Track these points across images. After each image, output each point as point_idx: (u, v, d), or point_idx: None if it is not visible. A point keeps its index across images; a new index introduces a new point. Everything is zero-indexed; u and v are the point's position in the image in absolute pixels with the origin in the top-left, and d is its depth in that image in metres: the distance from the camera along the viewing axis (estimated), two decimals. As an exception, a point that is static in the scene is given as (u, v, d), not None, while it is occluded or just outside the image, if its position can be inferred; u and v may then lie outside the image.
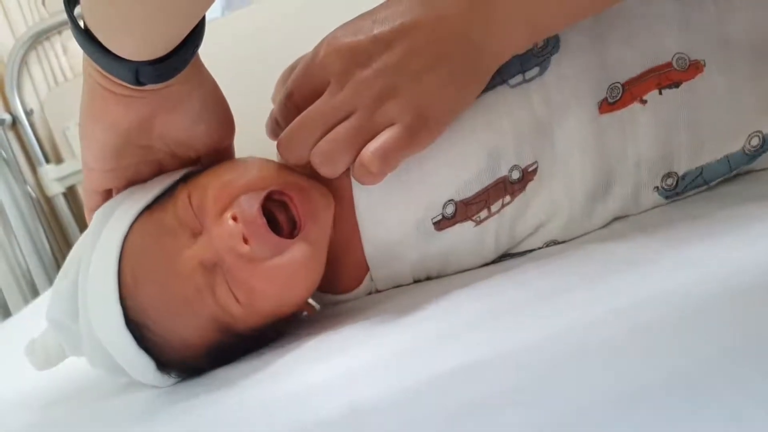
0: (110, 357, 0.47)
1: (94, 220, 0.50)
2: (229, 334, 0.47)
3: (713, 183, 0.48)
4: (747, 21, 0.47)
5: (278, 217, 0.47)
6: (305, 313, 0.54)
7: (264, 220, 0.45)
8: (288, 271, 0.46)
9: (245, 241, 0.44)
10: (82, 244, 0.50)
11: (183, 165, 0.53)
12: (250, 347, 0.50)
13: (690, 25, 0.47)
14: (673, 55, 0.47)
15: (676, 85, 0.47)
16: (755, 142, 0.47)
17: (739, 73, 0.47)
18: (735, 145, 0.47)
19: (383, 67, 0.44)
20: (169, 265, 0.45)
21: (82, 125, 0.49)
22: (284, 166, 0.50)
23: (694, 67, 0.47)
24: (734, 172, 0.48)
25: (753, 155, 0.47)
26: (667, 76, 0.47)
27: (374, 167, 0.44)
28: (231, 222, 0.44)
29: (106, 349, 0.47)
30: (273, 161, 0.51)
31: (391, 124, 0.44)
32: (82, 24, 0.44)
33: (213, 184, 0.47)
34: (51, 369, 0.54)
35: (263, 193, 0.46)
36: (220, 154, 0.54)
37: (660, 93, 0.47)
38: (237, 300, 0.45)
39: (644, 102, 0.47)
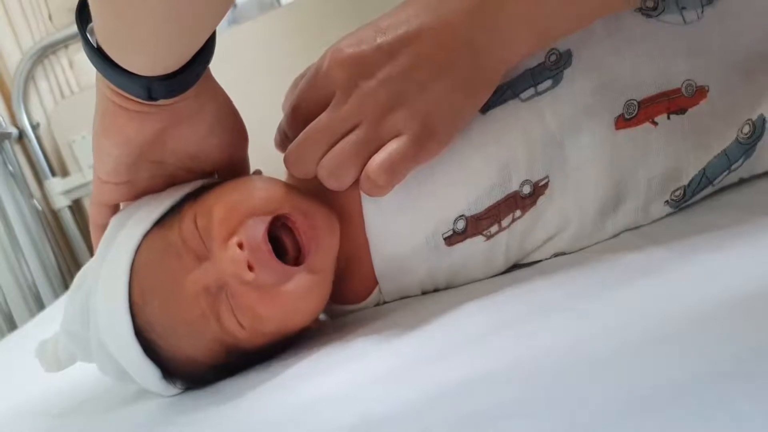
0: (118, 364, 0.48)
1: (108, 229, 0.50)
2: (235, 353, 0.47)
3: (717, 181, 0.48)
4: (748, 45, 0.48)
5: (284, 240, 0.47)
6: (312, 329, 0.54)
7: (269, 247, 0.45)
8: (292, 298, 0.46)
9: (250, 268, 0.44)
10: (96, 253, 0.51)
11: (196, 178, 0.53)
12: (256, 361, 0.50)
13: (698, 50, 0.48)
14: (683, 81, 0.47)
15: (682, 111, 0.47)
16: (746, 130, 0.47)
17: (737, 92, 0.48)
18: (729, 137, 0.48)
19: (388, 77, 0.44)
20: (174, 288, 0.45)
21: (95, 140, 0.50)
22: (290, 187, 0.50)
23: (700, 94, 0.47)
24: (735, 169, 0.48)
25: (748, 143, 0.48)
26: (676, 102, 0.47)
27: (381, 180, 0.44)
28: (236, 249, 0.44)
29: (114, 356, 0.47)
30: (279, 181, 0.51)
31: (398, 135, 0.44)
32: (94, 42, 0.44)
33: (219, 206, 0.47)
34: (58, 376, 0.55)
35: (268, 219, 0.46)
36: (234, 166, 0.54)
37: (668, 118, 0.47)
38: (241, 325, 0.45)
39: (655, 124, 0.47)
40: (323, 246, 0.47)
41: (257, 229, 0.45)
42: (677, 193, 0.48)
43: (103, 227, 0.51)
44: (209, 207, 0.47)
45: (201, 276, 0.45)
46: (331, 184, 0.46)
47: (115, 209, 0.53)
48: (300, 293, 0.46)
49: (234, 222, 0.45)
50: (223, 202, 0.47)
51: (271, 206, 0.46)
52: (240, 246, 0.44)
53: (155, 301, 0.46)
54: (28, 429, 0.55)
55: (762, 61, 0.49)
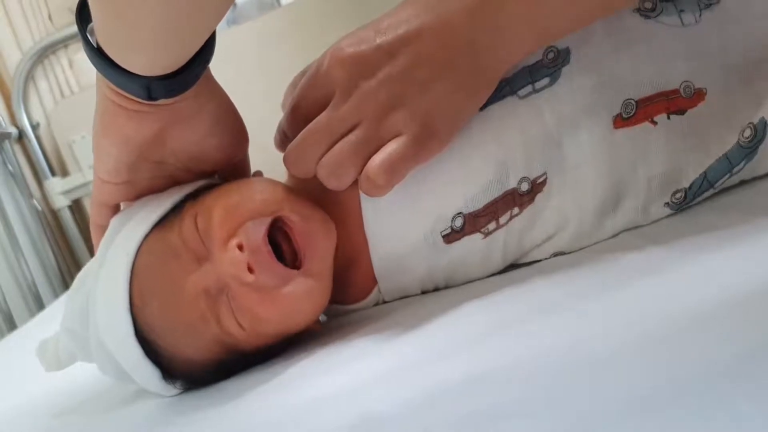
0: (118, 364, 0.48)
1: (109, 229, 0.50)
2: (234, 354, 0.47)
3: (718, 184, 0.48)
4: (746, 50, 0.48)
5: (281, 244, 0.47)
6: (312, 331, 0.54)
7: (269, 248, 0.45)
8: (292, 301, 0.46)
9: (250, 270, 0.44)
10: (96, 254, 0.51)
11: (197, 178, 0.53)
12: (257, 362, 0.50)
13: (697, 53, 0.48)
14: (681, 83, 0.47)
15: (682, 112, 0.47)
16: (748, 133, 0.47)
17: (735, 95, 0.48)
18: (730, 141, 0.48)
19: (388, 77, 0.44)
20: (174, 289, 0.45)
21: (95, 140, 0.50)
22: (288, 189, 0.50)
23: (698, 96, 0.48)
24: (736, 172, 0.48)
25: (749, 147, 0.48)
26: (675, 103, 0.47)
27: (380, 180, 0.44)
28: (236, 251, 0.44)
29: (114, 356, 0.47)
30: (278, 182, 0.51)
31: (397, 135, 0.44)
32: (93, 42, 0.44)
33: (218, 207, 0.47)
34: (58, 376, 0.55)
35: (268, 220, 0.46)
36: (234, 166, 0.54)
37: (668, 118, 0.47)
38: (240, 326, 0.46)
39: (655, 123, 0.47)
40: (319, 250, 0.47)
41: (257, 231, 0.45)
42: (678, 195, 0.48)
43: (104, 227, 0.51)
44: (209, 208, 0.47)
45: (201, 277, 0.45)
46: (330, 183, 0.46)
47: (115, 209, 0.53)
48: (299, 295, 0.46)
49: (234, 224, 0.45)
50: (222, 204, 0.47)
51: (270, 208, 0.47)
52: (240, 248, 0.44)
53: (155, 302, 0.46)
54: (29, 429, 0.55)
55: (760, 65, 0.49)
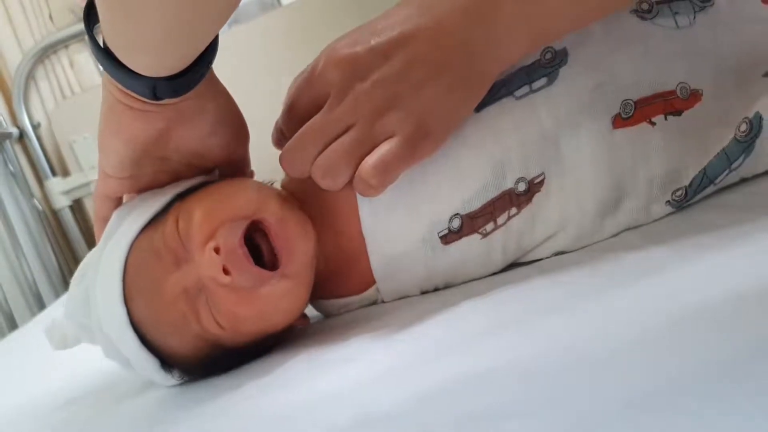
0: (120, 351, 0.49)
1: (110, 223, 0.51)
2: (220, 350, 0.48)
3: (718, 180, 0.48)
4: (740, 51, 0.49)
5: (261, 244, 0.47)
6: (299, 327, 0.54)
7: (245, 250, 0.45)
8: (269, 302, 0.47)
9: (227, 272, 0.44)
10: (98, 245, 0.52)
11: (198, 174, 0.54)
12: (249, 357, 0.50)
13: (691, 55, 0.48)
14: (677, 84, 0.48)
15: (679, 113, 0.48)
16: (744, 127, 0.48)
17: (730, 96, 0.48)
18: (727, 136, 0.48)
19: (382, 78, 0.44)
20: (155, 289, 0.46)
21: (100, 137, 0.51)
22: (272, 190, 0.51)
23: (694, 97, 0.48)
24: (735, 168, 0.48)
25: (746, 141, 0.48)
26: (672, 104, 0.48)
27: (374, 180, 0.44)
28: (213, 253, 0.45)
29: (115, 345, 0.48)
30: (258, 184, 0.52)
31: (391, 136, 0.44)
32: (100, 42, 0.45)
33: (198, 210, 0.47)
34: (59, 374, 0.55)
35: (245, 224, 0.46)
36: (234, 163, 0.55)
37: (666, 119, 0.47)
38: (220, 325, 0.46)
39: (653, 124, 0.47)
40: (296, 252, 0.47)
41: (233, 234, 0.45)
42: (678, 193, 0.48)
43: (106, 219, 0.52)
44: (190, 211, 0.48)
45: (180, 278, 0.46)
46: (325, 184, 0.47)
47: (118, 202, 0.54)
48: (276, 296, 0.47)
49: (212, 226, 0.46)
50: (202, 207, 0.48)
51: (247, 211, 0.47)
52: (217, 250, 0.45)
53: (141, 300, 0.47)
54: (30, 428, 0.55)
55: (754, 66, 0.49)
